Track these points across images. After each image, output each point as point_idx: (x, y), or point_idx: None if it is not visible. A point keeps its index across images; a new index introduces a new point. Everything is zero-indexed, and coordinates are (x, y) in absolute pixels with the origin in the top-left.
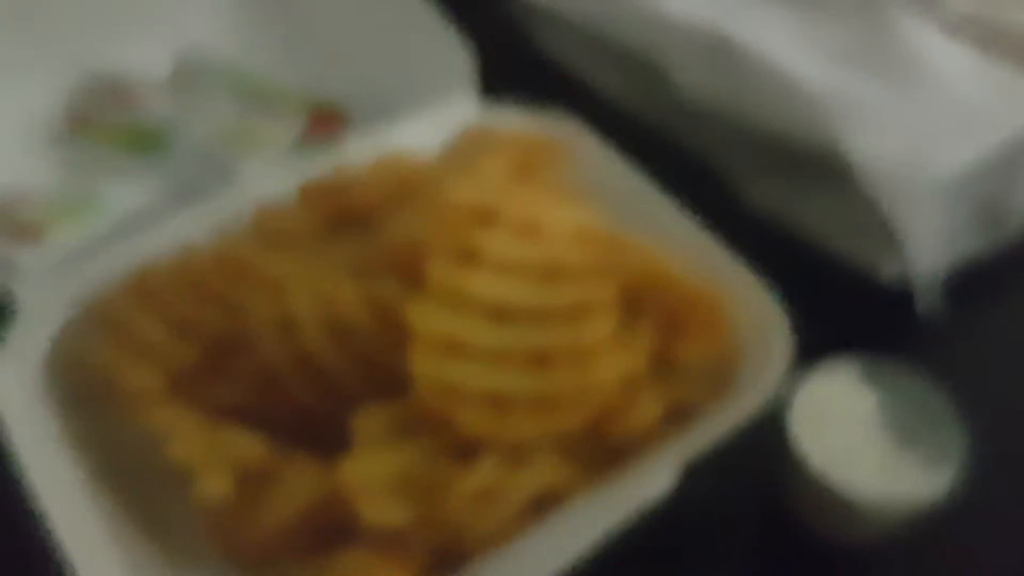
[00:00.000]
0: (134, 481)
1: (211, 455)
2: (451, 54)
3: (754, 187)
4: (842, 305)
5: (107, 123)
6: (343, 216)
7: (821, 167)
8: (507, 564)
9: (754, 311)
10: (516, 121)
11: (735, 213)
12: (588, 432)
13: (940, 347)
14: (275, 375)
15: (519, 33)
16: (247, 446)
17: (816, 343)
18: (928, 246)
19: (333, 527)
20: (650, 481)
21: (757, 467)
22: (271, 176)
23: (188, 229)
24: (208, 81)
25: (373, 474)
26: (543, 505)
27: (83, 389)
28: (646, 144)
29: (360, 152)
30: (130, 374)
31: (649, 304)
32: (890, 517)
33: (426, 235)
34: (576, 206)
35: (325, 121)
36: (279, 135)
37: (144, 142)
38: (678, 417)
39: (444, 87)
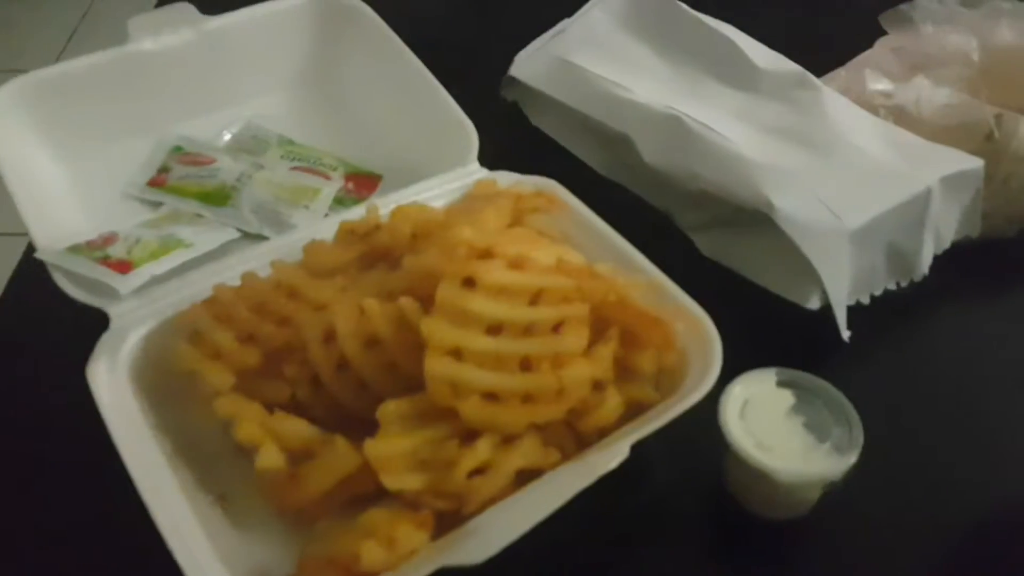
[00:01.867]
0: (204, 459)
1: (268, 436)
2: (460, 131)
3: (704, 236)
4: (771, 329)
5: (182, 180)
6: (372, 254)
7: (757, 220)
8: (497, 518)
9: (695, 331)
10: (510, 181)
11: (690, 257)
12: (565, 423)
13: (848, 361)
14: (319, 377)
15: (515, 111)
16: (296, 429)
17: (748, 357)
18: (842, 284)
19: (362, 494)
20: (610, 456)
21: (701, 464)
22: (316, 223)
23: (249, 263)
24: (264, 147)
25: (394, 452)
26: (528, 479)
27: (163, 385)
28: (618, 202)
29: (387, 205)
30: (207, 373)
31: (613, 323)
32: (804, 492)
33: (437, 266)
34: (556, 246)
35: (360, 182)
36: (323, 193)
37: (213, 196)
38: (634, 412)
39: (454, 157)
